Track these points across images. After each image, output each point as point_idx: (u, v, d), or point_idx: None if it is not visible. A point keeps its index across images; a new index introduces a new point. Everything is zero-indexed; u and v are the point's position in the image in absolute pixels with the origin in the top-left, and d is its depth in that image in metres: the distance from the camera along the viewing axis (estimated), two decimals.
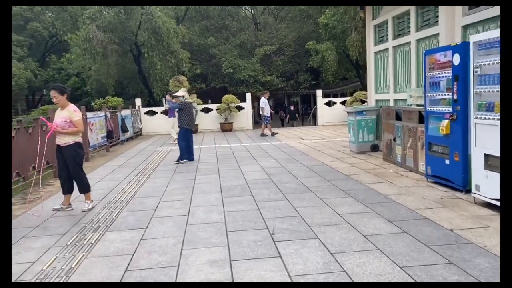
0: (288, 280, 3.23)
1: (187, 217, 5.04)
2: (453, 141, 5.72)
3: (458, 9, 6.82)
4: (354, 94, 19.71)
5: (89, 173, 8.53)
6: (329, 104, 20.69)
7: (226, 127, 19.16)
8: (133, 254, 3.91)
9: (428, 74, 6.29)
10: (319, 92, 20.68)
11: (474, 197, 5.13)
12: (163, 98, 9.65)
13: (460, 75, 5.49)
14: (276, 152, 10.78)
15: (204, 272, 3.43)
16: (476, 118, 5.01)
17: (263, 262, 3.58)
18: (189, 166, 8.90)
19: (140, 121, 18.62)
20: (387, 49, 9.59)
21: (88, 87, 32.03)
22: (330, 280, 3.21)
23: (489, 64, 4.76)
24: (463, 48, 5.46)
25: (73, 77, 38.25)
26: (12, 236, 4.41)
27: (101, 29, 19.60)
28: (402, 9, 8.69)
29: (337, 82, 30.97)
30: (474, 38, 5.06)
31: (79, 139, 5.77)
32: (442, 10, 7.20)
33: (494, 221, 4.39)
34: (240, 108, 19.87)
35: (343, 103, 20.58)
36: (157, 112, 19.42)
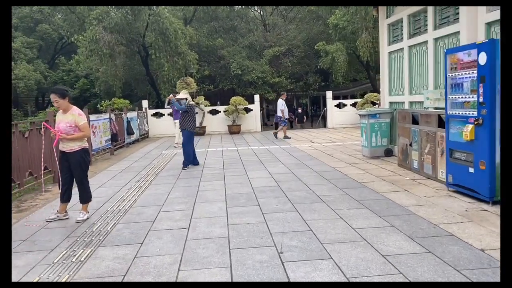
0: None
1: (187, 231, 4.62)
2: (478, 148, 5.23)
3: None
4: (365, 96, 19.20)
5: (90, 178, 8.15)
6: (339, 106, 20.18)
7: (234, 130, 18.76)
8: (124, 276, 3.51)
9: (450, 74, 5.81)
10: (329, 94, 20.20)
11: None
12: (167, 99, 9.22)
13: (487, 76, 5.01)
14: (284, 156, 10.34)
15: None
16: None
17: None
18: (194, 172, 8.50)
19: (147, 123, 18.31)
20: (402, 49, 9.10)
21: (97, 89, 31.91)
22: None
23: None
24: (490, 46, 4.98)
25: (82, 79, 38.27)
26: None
27: (108, 30, 19.34)
28: (418, 6, 8.21)
29: (347, 84, 30.43)
30: None
31: (85, 144, 5.41)
32: (464, 6, 6.70)
33: None
34: (248, 110, 19.47)
35: (353, 105, 20.08)
36: (164, 114, 19.09)
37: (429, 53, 7.97)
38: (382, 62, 10.24)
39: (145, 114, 18.24)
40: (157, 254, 3.98)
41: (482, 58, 5.08)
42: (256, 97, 20.07)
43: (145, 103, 19.45)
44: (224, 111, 19.22)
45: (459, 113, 5.62)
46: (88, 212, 5.41)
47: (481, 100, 5.13)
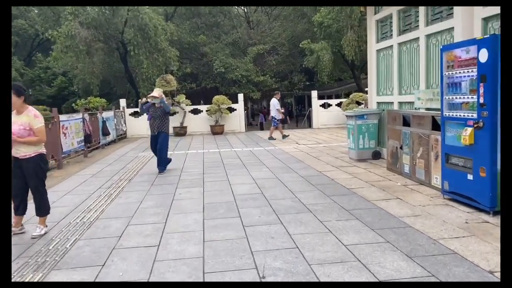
0: None
1: (157, 249, 4.06)
2: (478, 153, 4.80)
3: None
4: (351, 96, 18.84)
5: (57, 184, 7.57)
6: (324, 105, 19.80)
7: (217, 130, 18.17)
8: None
9: (446, 73, 5.37)
10: (314, 93, 19.78)
11: None
12: (140, 102, 8.41)
13: (488, 75, 4.58)
14: (269, 159, 9.83)
15: None
16: None
17: None
18: (170, 177, 7.91)
19: (125, 123, 17.56)
20: (391, 46, 8.68)
21: (75, 87, 30.92)
22: None
23: None
24: (492, 43, 4.55)
25: (60, 77, 37.06)
26: None
27: (85, 26, 18.51)
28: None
29: (332, 83, 30.13)
30: None
31: (42, 149, 4.77)
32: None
33: None
34: (231, 110, 18.89)
35: (339, 105, 19.73)
36: (142, 114, 18.34)
37: (420, 50, 7.56)
38: (369, 60, 9.82)
39: (123, 113, 17.48)
40: (118, 279, 3.42)
41: (483, 56, 4.64)
42: (240, 96, 19.52)
43: (122, 102, 18.68)
44: (206, 111, 18.61)
45: (456, 115, 5.18)
46: (47, 226, 4.79)
47: (481, 101, 4.70)
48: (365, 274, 3.33)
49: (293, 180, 7.12)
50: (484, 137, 4.70)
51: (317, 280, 3.24)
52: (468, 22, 6.11)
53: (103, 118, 13.61)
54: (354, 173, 7.61)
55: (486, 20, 5.83)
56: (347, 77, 30.19)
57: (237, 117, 19.08)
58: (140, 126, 17.89)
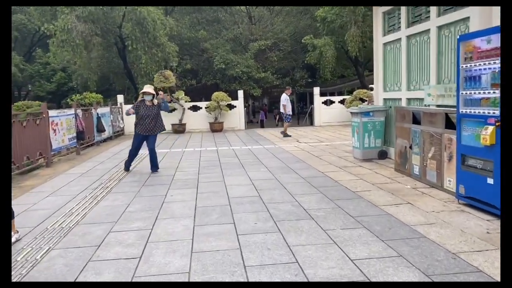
0: None
1: (138, 262, 3.57)
2: (501, 155, 4.29)
3: None
4: (354, 93, 18.33)
5: (41, 184, 7.10)
6: (326, 102, 19.27)
7: (216, 127, 17.68)
8: None
9: (464, 66, 4.86)
10: (316, 90, 19.24)
11: None
12: (137, 99, 7.87)
13: None
14: (268, 158, 9.34)
15: None
16: None
17: None
18: (163, 177, 7.43)
19: (122, 119, 17.07)
20: (399, 39, 8.16)
21: (74, 82, 30.44)
22: None
23: None
24: None
25: (59, 72, 36.58)
26: None
27: (82, 20, 18.01)
28: None
29: (335, 80, 29.57)
30: None
31: None
32: None
33: None
34: (231, 107, 18.39)
35: (341, 102, 19.19)
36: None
37: (431, 43, 7.04)
38: (375, 54, 9.29)
39: (120, 109, 17.00)
40: None
41: None
42: (240, 93, 19.01)
43: (120, 98, 18.19)
44: (205, 108, 18.12)
45: (475, 112, 4.68)
46: (18, 232, 4.31)
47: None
48: None
49: (293, 182, 6.63)
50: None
51: None
52: (486, 11, 5.59)
53: (97, 114, 13.14)
54: (359, 174, 7.11)
55: None
56: (350, 74, 29.62)
57: (237, 114, 18.58)
58: None
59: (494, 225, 4.23)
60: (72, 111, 10.93)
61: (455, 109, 5.58)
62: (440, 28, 6.81)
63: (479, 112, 4.61)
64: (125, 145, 12.99)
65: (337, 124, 18.41)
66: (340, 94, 30.75)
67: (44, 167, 8.97)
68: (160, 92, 8.03)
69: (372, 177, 6.81)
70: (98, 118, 13.10)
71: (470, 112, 4.77)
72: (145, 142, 7.98)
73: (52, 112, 9.55)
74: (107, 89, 31.80)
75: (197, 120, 18.17)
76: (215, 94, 17.85)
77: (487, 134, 4.38)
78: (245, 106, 23.63)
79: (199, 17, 26.15)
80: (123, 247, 3.94)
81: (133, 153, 8.06)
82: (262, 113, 29.83)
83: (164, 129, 8.11)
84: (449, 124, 5.61)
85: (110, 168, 8.60)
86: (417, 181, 6.42)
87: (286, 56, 26.97)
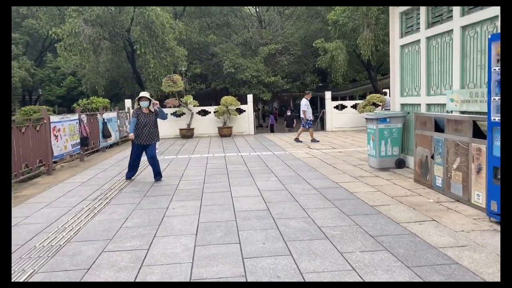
0: None
1: None
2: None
3: None
4: (367, 97, 17.77)
5: (38, 194, 6.74)
6: (337, 107, 18.75)
7: (225, 132, 17.27)
8: None
9: (496, 68, 4.36)
10: (328, 95, 18.73)
11: None
12: (134, 106, 7.33)
13: None
14: (278, 166, 8.87)
15: None
16: None
17: None
18: (166, 187, 7.01)
19: (130, 124, 16.72)
20: (418, 41, 7.66)
21: (84, 87, 30.37)
22: None
23: None
24: None
25: (69, 77, 36.65)
26: None
27: (89, 23, 17.81)
28: None
29: (346, 84, 29.07)
30: None
31: None
32: None
33: None
34: (240, 111, 17.99)
35: (354, 106, 18.66)
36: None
37: (454, 45, 6.53)
38: (392, 57, 8.79)
39: (128, 114, 16.69)
40: None
41: None
42: (249, 97, 18.59)
43: (128, 103, 17.92)
44: (214, 112, 17.74)
45: None
46: None
47: None
48: None
49: (306, 193, 6.15)
50: None
51: None
52: None
53: (103, 119, 12.82)
54: (376, 185, 6.60)
55: None
56: (362, 78, 29.07)
57: (246, 119, 18.16)
58: None
59: None
60: (75, 116, 10.61)
61: (484, 116, 5.11)
62: (464, 28, 6.30)
63: None
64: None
65: (350, 130, 17.88)
66: (351, 98, 30.20)
67: (45, 174, 8.63)
68: (154, 101, 7.58)
69: (391, 189, 6.31)
70: (104, 124, 12.78)
71: None
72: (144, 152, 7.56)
73: (54, 118, 9.23)
74: (116, 94, 31.71)
75: (206, 124, 17.80)
76: (224, 99, 17.47)
77: None
78: (255, 110, 23.22)
79: (209, 21, 25.90)
80: (114, 271, 3.51)
81: (132, 165, 7.64)
82: (272, 117, 29.36)
83: (159, 139, 7.70)
84: (478, 133, 5.11)
85: (112, 176, 8.22)
86: (440, 194, 5.91)
87: (297, 60, 26.55)
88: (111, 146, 13.86)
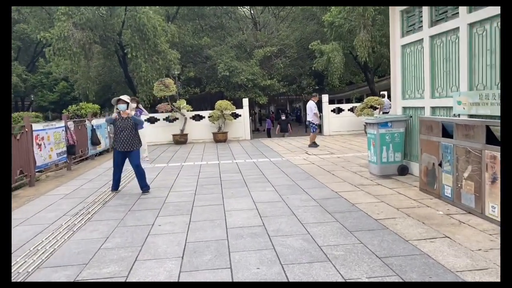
0: None
1: None
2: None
3: None
4: (365, 100, 17.36)
5: (16, 209, 6.22)
6: (335, 111, 18.31)
7: (220, 138, 16.80)
8: None
9: None
10: (325, 98, 18.28)
11: None
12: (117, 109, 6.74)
13: None
14: (275, 174, 8.41)
15: None
16: None
17: None
18: (154, 199, 6.53)
19: None
20: (421, 40, 7.25)
21: (76, 92, 29.84)
22: None
23: None
24: None
25: (61, 82, 36.08)
26: None
27: (79, 27, 17.33)
28: None
29: (343, 87, 28.69)
30: None
31: None
32: None
33: None
34: (236, 116, 17.52)
35: (351, 109, 18.24)
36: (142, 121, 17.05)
37: (460, 43, 6.11)
38: (392, 58, 8.38)
39: None
40: None
41: None
42: (245, 101, 18.14)
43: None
44: (208, 117, 17.25)
45: None
46: None
47: None
48: None
49: (304, 205, 5.69)
50: None
51: None
52: None
53: (92, 126, 12.32)
54: (379, 195, 6.15)
55: None
56: (359, 80, 28.76)
57: (242, 124, 17.69)
58: None
59: None
60: (62, 123, 10.11)
61: (497, 120, 4.68)
62: (471, 25, 5.87)
63: None
64: None
65: (347, 133, 17.46)
66: (348, 101, 29.83)
67: (27, 186, 8.13)
68: (131, 105, 7.08)
69: (395, 199, 5.86)
70: (93, 130, 12.28)
71: None
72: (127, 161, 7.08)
73: (36, 126, 8.72)
74: (109, 99, 31.09)
75: (200, 130, 17.32)
76: (219, 103, 17.00)
77: None
78: (251, 115, 22.79)
79: (202, 23, 25.49)
80: None
81: (115, 174, 7.14)
82: (268, 122, 28.91)
83: (141, 145, 7.20)
84: (491, 139, 4.67)
85: (98, 187, 7.73)
86: (449, 204, 5.46)
87: (293, 63, 26.16)
88: (101, 153, 13.36)
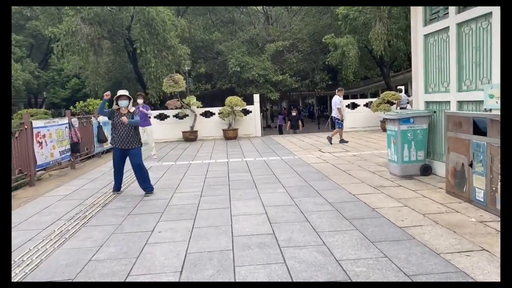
0: None
1: None
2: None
3: None
4: (382, 95, 16.70)
5: (16, 209, 5.84)
6: (349, 106, 17.67)
7: (230, 135, 16.33)
8: None
9: None
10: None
11: None
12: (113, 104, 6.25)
13: None
14: (286, 173, 7.90)
15: None
16: None
17: None
18: (156, 202, 6.07)
19: None
20: (447, 28, 6.63)
21: (87, 88, 29.72)
22: None
23: None
24: None
25: (73, 79, 36.05)
26: None
27: (87, 22, 17.00)
28: None
29: (357, 82, 27.96)
30: None
31: None
32: None
33: None
34: (246, 112, 17.02)
35: (367, 105, 17.61)
36: (150, 117, 16.68)
37: (493, 30, 5.49)
38: (414, 49, 7.76)
39: None
40: None
41: None
42: (256, 97, 17.63)
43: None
44: (218, 113, 16.81)
45: None
46: None
47: None
48: None
49: (318, 210, 5.17)
50: None
51: None
52: None
53: (98, 122, 11.96)
54: (401, 198, 5.60)
55: None
56: (374, 75, 27.97)
57: (253, 120, 17.19)
58: None
59: None
60: (65, 120, 9.74)
61: None
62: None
63: None
64: None
65: (362, 130, 16.82)
66: (363, 96, 29.11)
67: (27, 186, 7.78)
68: (130, 106, 6.61)
69: (420, 203, 5.30)
70: (99, 127, 11.92)
71: None
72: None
73: (37, 123, 8.36)
74: None
75: (210, 127, 16.88)
76: (229, 99, 16.52)
77: None
78: (262, 111, 22.26)
79: (213, 18, 25.01)
80: None
81: (116, 174, 6.73)
82: (280, 118, 28.35)
83: (141, 144, 6.73)
84: None
85: (100, 188, 7.33)
86: (481, 209, 4.89)
87: (305, 57, 25.53)
88: (108, 151, 12.99)
